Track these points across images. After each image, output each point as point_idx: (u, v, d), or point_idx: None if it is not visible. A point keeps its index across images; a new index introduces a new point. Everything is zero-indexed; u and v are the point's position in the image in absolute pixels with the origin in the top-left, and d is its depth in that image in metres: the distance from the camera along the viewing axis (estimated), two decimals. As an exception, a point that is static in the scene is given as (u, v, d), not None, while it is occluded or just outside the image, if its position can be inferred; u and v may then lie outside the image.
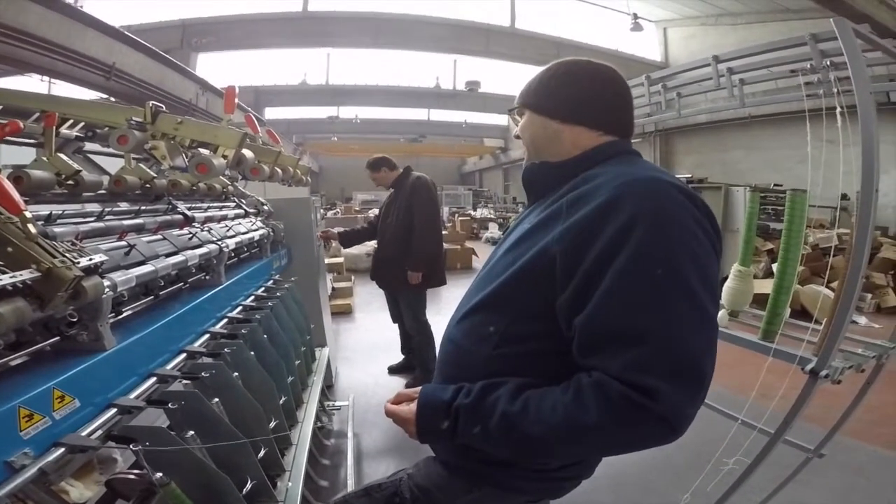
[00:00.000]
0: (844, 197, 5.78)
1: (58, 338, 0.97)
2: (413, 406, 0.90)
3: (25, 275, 0.76)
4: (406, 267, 3.20)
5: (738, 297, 1.85)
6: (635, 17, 12.36)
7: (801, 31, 1.74)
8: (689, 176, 5.98)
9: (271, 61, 15.49)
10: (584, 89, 0.94)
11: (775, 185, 7.55)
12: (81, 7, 6.48)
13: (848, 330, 1.42)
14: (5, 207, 0.81)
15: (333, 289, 5.90)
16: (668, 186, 0.78)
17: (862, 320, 4.96)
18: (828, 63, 1.68)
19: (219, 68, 11.99)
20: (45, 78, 6.93)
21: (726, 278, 1.91)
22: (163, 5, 11.21)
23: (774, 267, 1.81)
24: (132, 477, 1.28)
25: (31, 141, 1.43)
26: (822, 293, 2.85)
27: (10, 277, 0.74)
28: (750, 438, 1.80)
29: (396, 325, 3.75)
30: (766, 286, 1.90)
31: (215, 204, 2.18)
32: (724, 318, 1.82)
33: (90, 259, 0.90)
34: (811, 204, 1.67)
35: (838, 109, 1.57)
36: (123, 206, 1.51)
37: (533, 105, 0.98)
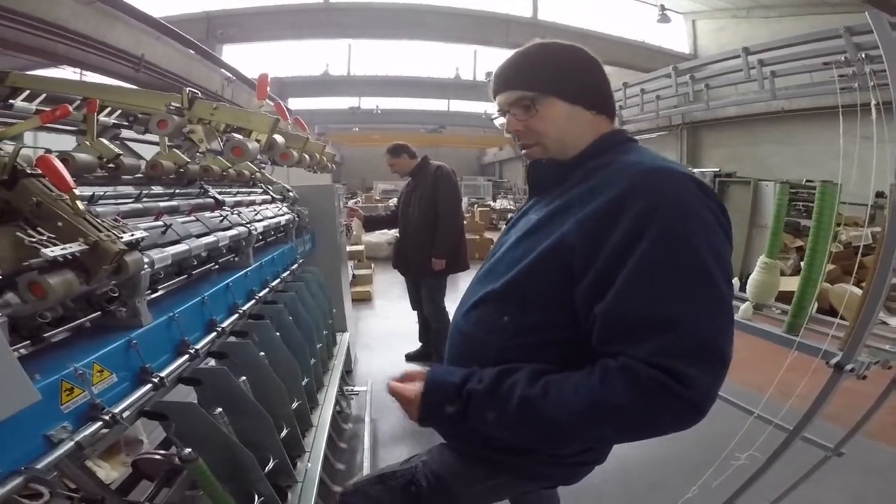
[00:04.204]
0: (880, 195, 5.56)
1: (99, 313, 1.02)
2: (419, 386, 0.89)
3: (74, 247, 0.81)
4: (431, 254, 3.25)
5: (764, 290, 1.82)
6: (662, 8, 12.09)
7: (837, 25, 1.69)
8: (717, 169, 5.82)
9: (294, 53, 15.67)
10: (593, 74, 0.93)
11: (807, 181, 7.31)
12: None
13: (876, 328, 1.39)
14: (56, 185, 0.86)
15: (354, 276, 5.98)
16: (680, 175, 0.79)
17: (893, 321, 4.80)
18: (863, 56, 1.63)
19: (243, 61, 12.15)
20: (78, 70, 7.15)
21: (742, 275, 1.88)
22: (188, -2, 11.41)
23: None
24: (158, 457, 1.32)
25: (72, 128, 1.50)
26: (849, 291, 2.79)
27: (61, 249, 0.78)
28: (766, 433, 1.78)
29: (415, 313, 3.79)
30: (793, 283, 1.87)
31: (244, 189, 2.24)
32: (749, 311, 1.80)
33: (132, 235, 0.94)
34: (845, 201, 1.63)
35: (873, 103, 1.53)
36: (157, 189, 1.56)
37: (562, 93, 0.90)
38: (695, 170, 5.84)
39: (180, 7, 11.24)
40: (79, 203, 0.87)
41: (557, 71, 0.91)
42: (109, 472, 1.76)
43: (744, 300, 1.92)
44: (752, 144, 11.56)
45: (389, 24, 12.93)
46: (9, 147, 0.93)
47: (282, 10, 12.33)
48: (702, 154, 12.79)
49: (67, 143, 1.48)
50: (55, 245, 0.79)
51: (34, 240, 0.78)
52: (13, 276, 0.78)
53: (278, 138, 1.44)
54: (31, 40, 6.03)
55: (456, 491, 1.01)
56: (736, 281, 2.44)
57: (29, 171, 0.87)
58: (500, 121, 0.98)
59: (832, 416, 1.74)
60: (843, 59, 1.70)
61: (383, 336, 4.50)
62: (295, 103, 17.22)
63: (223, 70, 10.08)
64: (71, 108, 1.12)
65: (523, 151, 0.98)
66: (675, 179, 0.78)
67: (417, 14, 12.85)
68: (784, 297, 1.89)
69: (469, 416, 0.82)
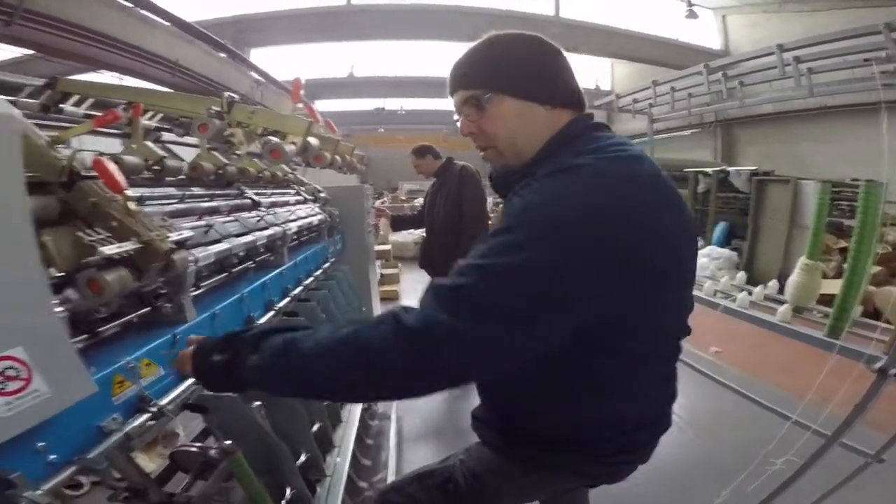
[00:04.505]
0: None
1: (148, 308, 1.06)
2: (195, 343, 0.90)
3: (128, 245, 0.85)
4: (457, 254, 3.24)
5: (804, 292, 1.78)
6: (689, 3, 11.80)
7: (875, 20, 1.64)
8: (755, 168, 5.60)
9: (319, 56, 15.89)
10: (546, 65, 0.88)
11: (852, 179, 7.02)
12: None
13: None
14: (110, 187, 0.90)
15: (381, 275, 6.04)
16: (582, 175, 0.75)
17: (939, 326, 4.58)
18: (904, 52, 1.57)
19: (271, 64, 12.36)
20: (116, 75, 7.44)
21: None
22: (217, 3, 11.69)
23: (845, 265, 1.72)
24: (193, 450, 1.36)
25: (116, 131, 1.56)
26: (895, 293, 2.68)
27: (117, 247, 0.82)
28: (804, 439, 1.73)
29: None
30: (836, 286, 1.81)
31: (278, 190, 2.29)
32: (788, 314, 1.75)
33: (180, 234, 0.98)
34: (892, 200, 1.58)
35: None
36: (197, 190, 1.62)
37: (510, 89, 0.85)
38: (730, 168, 5.63)
39: (210, 12, 11.54)
40: (131, 203, 0.91)
41: (505, 66, 0.86)
42: (147, 464, 1.82)
43: (782, 303, 1.87)
44: (790, 142, 11.14)
45: (412, 25, 13.02)
46: (66, 150, 0.98)
47: (306, 13, 12.54)
48: (737, 152, 12.36)
49: (109, 145, 1.54)
50: (111, 244, 0.84)
51: (92, 238, 0.82)
52: (73, 273, 0.82)
53: (313, 141, 1.48)
54: (72, 46, 6.31)
55: (494, 488, 1.01)
56: (774, 283, 2.38)
57: (84, 174, 0.92)
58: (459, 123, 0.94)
59: (874, 423, 1.67)
60: (884, 55, 1.65)
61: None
62: (322, 105, 17.45)
63: (253, 73, 10.32)
64: (119, 113, 1.17)
65: (482, 155, 0.95)
66: (570, 177, 0.75)
67: (438, 14, 12.89)
68: (826, 299, 1.84)
69: (235, 363, 0.81)
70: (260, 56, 12.90)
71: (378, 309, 3.61)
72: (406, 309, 0.74)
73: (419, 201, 8.05)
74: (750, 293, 2.30)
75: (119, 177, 0.90)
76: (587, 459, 0.94)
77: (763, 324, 1.96)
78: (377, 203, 4.96)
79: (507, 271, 0.70)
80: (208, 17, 11.27)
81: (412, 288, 6.30)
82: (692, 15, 11.94)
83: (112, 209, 0.89)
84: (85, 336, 0.91)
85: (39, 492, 0.68)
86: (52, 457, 0.73)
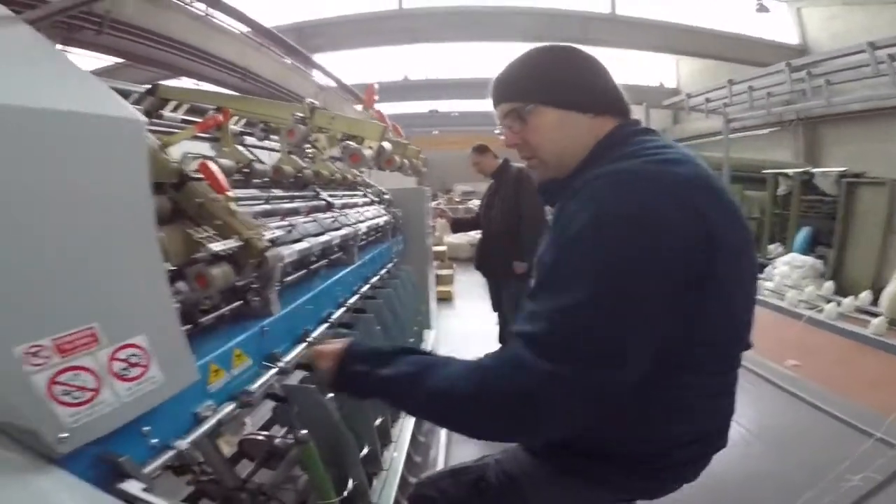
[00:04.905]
0: None
1: (241, 302, 1.13)
2: (342, 344, 0.94)
3: (231, 243, 0.92)
4: (513, 257, 3.23)
5: (903, 306, 1.63)
6: (760, -4, 11.07)
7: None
8: (844, 170, 5.07)
9: (376, 59, 16.27)
10: (585, 74, 0.89)
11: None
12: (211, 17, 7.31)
13: None
14: (215, 189, 0.98)
15: (437, 276, 6.11)
16: (627, 179, 0.75)
17: None
18: None
19: (333, 68, 12.81)
20: (193, 81, 7.97)
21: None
22: (277, 12, 12.23)
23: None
24: (261, 438, 1.43)
25: (204, 135, 1.68)
26: None
27: (223, 245, 0.89)
28: (887, 456, 1.59)
29: (496, 315, 3.80)
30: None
31: (348, 192, 2.38)
32: (883, 326, 1.62)
33: (273, 233, 1.05)
34: None
35: None
36: (277, 192, 1.71)
37: (550, 99, 0.87)
38: (815, 170, 5.17)
39: (270, 20, 12.09)
40: (232, 204, 0.98)
41: (544, 77, 0.88)
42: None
43: (876, 315, 1.73)
44: (883, 141, 10.08)
45: (461, 27, 13.01)
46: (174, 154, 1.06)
47: (359, 18, 12.83)
48: (822, 152, 11.33)
49: (198, 148, 1.65)
50: (217, 241, 0.91)
51: (201, 236, 0.90)
52: (183, 267, 0.90)
53: (387, 145, 1.53)
54: (154, 53, 6.82)
55: (525, 490, 1.01)
56: (867, 293, 2.19)
57: (191, 176, 1.00)
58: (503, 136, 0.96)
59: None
60: None
61: (463, 336, 4.55)
62: (379, 108, 17.81)
63: (315, 79, 10.72)
64: (220, 118, 1.26)
65: (526, 165, 0.96)
66: (617, 184, 0.75)
67: (490, 15, 12.81)
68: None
69: (371, 374, 0.85)
70: (324, 62, 13.37)
71: (434, 310, 3.66)
72: (521, 359, 0.74)
73: (473, 203, 8.05)
74: (839, 304, 2.13)
75: (222, 179, 0.97)
76: (626, 473, 0.91)
77: (853, 336, 1.80)
78: (435, 204, 5.02)
79: (582, 307, 0.71)
80: (269, 25, 11.82)
81: (466, 290, 6.35)
82: (763, 9, 11.20)
83: (216, 209, 0.97)
84: (189, 326, 0.99)
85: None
86: (154, 441, 0.78)
